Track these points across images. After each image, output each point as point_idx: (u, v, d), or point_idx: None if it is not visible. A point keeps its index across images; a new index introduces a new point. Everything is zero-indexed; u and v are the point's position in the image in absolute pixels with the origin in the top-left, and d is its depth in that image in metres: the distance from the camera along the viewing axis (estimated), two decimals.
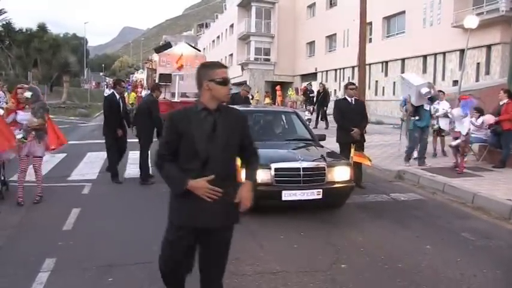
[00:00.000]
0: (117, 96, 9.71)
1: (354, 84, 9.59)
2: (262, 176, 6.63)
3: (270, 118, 9.15)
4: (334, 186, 7.02)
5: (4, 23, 56.16)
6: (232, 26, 52.12)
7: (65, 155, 12.54)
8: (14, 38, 52.96)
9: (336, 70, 37.11)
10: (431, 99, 11.69)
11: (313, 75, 40.44)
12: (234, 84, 50.32)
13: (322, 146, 8.30)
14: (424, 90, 10.86)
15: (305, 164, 6.87)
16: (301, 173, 6.77)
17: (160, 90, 10.44)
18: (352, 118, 8.95)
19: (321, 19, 39.30)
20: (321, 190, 6.80)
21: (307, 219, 7.01)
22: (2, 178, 8.31)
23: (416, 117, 11.11)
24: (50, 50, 51.51)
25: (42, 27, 54.51)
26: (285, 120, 9.34)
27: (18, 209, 7.54)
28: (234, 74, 49.52)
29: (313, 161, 7.17)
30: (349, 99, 9.23)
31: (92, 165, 11.60)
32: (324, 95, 20.60)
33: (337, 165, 7.19)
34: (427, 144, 11.49)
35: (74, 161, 11.91)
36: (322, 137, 8.74)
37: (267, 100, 32.50)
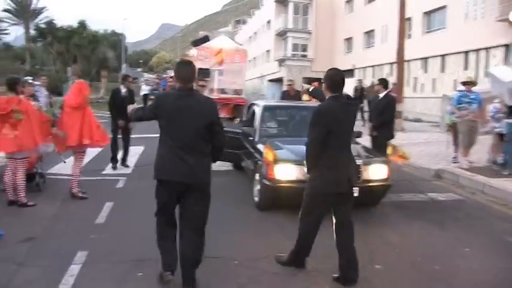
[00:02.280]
0: (123, 90, 10.66)
1: (379, 81, 9.78)
2: (296, 172, 6.52)
3: (304, 113, 9.03)
4: (370, 184, 6.84)
5: (46, 20, 57.74)
6: (269, 22, 51.78)
7: (101, 148, 12.67)
8: (55, 34, 54.14)
9: (373, 67, 36.48)
10: None
11: (350, 72, 39.89)
12: (270, 80, 50.39)
13: (357, 143, 8.11)
14: None
15: None
16: None
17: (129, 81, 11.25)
18: (377, 114, 9.30)
19: (359, 15, 38.72)
20: (357, 188, 6.60)
21: None
22: (40, 171, 8.43)
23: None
24: (90, 46, 52.51)
25: (82, 24, 55.58)
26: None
27: (54, 201, 7.64)
28: (271, 70, 49.37)
29: None
30: (380, 95, 9.35)
31: (129, 159, 11.69)
32: (361, 91, 20.27)
33: (373, 162, 7.00)
34: None
35: (110, 155, 12.00)
36: (358, 134, 8.55)
37: (305, 97, 32.09)
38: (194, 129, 4.32)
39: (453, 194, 8.83)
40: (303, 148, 4.74)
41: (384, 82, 9.53)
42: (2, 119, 7.16)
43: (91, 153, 11.62)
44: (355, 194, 4.82)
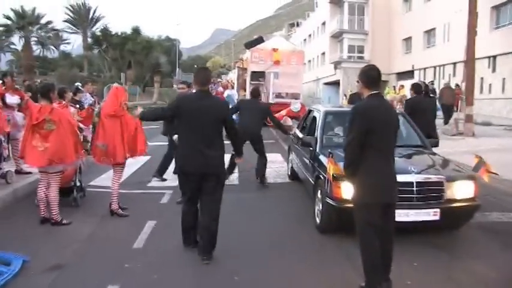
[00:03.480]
0: None
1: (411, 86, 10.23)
2: None
3: None
4: (455, 205, 5.67)
5: (102, 27, 58.80)
6: (324, 23, 50.66)
7: (149, 157, 11.91)
8: (110, 41, 54.92)
9: (434, 67, 34.58)
10: None
11: (409, 73, 38.11)
12: (326, 83, 49.16)
13: (434, 154, 6.95)
14: None
15: (419, 177, 5.58)
16: (415, 188, 5.50)
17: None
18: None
19: (419, 13, 36.85)
20: (438, 210, 5.49)
21: (419, 244, 5.72)
22: (78, 184, 7.72)
23: None
24: (143, 52, 52.77)
25: (136, 30, 56.09)
26: None
27: (92, 218, 6.89)
28: (327, 73, 48.23)
29: (428, 173, 5.87)
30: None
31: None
32: (424, 94, 18.73)
33: (459, 179, 5.82)
34: None
35: (157, 165, 11.22)
36: (435, 143, 7.38)
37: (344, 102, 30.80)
38: (212, 125, 5.17)
39: None
40: None
41: (416, 87, 10.20)
42: (33, 130, 6.47)
43: (137, 162, 10.86)
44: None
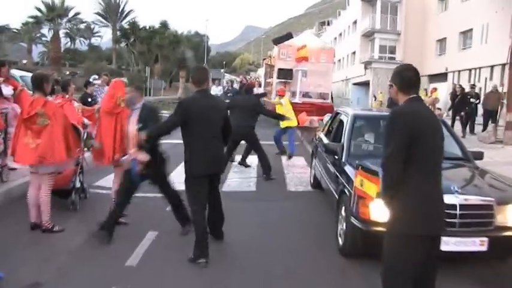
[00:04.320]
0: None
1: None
2: None
3: None
4: (507, 233, 4.71)
5: (130, 21, 58.76)
6: (355, 22, 49.46)
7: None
8: (137, 35, 54.78)
9: (470, 70, 33.15)
10: None
11: (443, 76, 36.76)
12: (355, 84, 48.01)
13: (477, 168, 6.01)
14: None
15: (463, 199, 4.62)
16: (458, 212, 4.56)
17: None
18: None
19: (455, 13, 35.41)
20: (486, 239, 4.57)
21: (462, 276, 4.83)
22: (78, 185, 7.03)
23: None
24: (170, 46, 52.31)
25: (163, 24, 55.73)
26: None
27: (88, 225, 6.14)
28: (356, 73, 47.13)
29: (475, 194, 4.88)
30: None
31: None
32: (461, 98, 17.58)
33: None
34: None
35: (171, 164, 10.47)
36: (479, 155, 6.42)
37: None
38: (218, 123, 5.25)
39: None
40: None
41: None
42: (25, 125, 5.77)
43: None
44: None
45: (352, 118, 6.73)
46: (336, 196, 5.82)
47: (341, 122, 7.29)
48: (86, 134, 7.27)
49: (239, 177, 9.54)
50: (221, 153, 5.51)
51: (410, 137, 3.15)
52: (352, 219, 4.88)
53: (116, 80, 7.06)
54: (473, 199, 4.73)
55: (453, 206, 4.53)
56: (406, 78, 3.43)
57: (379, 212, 4.60)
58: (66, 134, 5.89)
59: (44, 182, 5.88)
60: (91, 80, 11.59)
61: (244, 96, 10.07)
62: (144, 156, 5.36)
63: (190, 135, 5.12)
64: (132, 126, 5.64)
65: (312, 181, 8.80)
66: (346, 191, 5.34)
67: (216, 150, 5.27)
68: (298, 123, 14.65)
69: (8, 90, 7.26)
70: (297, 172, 10.14)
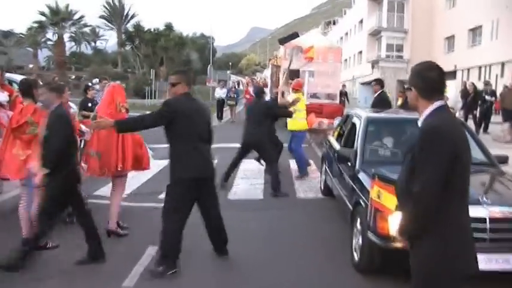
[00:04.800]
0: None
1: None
2: None
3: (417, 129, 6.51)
4: None
5: (135, 24, 58.60)
6: (361, 21, 49.06)
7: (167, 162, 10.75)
8: (142, 37, 54.56)
9: (480, 67, 32.61)
10: None
11: (452, 74, 36.20)
12: (362, 83, 47.53)
13: (504, 173, 5.54)
14: None
15: (494, 211, 4.16)
16: (488, 226, 4.10)
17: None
18: None
19: (463, 9, 34.85)
20: None
21: None
22: None
23: None
24: (175, 48, 51.98)
25: (168, 26, 55.43)
26: None
27: (83, 239, 5.72)
28: (363, 72, 46.63)
29: (506, 204, 4.37)
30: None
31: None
32: (473, 96, 17.01)
33: None
34: None
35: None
36: (503, 159, 5.95)
37: (401, 101, 29.02)
38: (205, 127, 5.12)
39: None
40: None
41: (380, 82, 11.30)
42: (14, 135, 5.38)
43: (154, 168, 9.67)
44: None
45: (365, 121, 6.23)
46: (350, 207, 5.38)
47: (353, 126, 6.78)
48: (83, 142, 6.91)
49: (246, 184, 9.09)
50: (209, 157, 5.14)
51: (452, 158, 2.58)
52: (370, 234, 4.44)
53: (114, 84, 6.66)
54: (505, 210, 4.24)
55: (482, 220, 4.08)
56: (429, 79, 2.74)
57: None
58: None
59: (36, 195, 5.49)
60: (93, 82, 11.22)
61: (255, 101, 9.50)
62: (38, 169, 4.74)
63: (177, 136, 4.89)
64: (41, 132, 5.02)
65: (322, 188, 8.32)
66: (361, 201, 4.89)
67: (204, 153, 5.03)
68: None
69: (2, 97, 6.87)
70: (306, 177, 9.68)
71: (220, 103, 24.02)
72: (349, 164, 5.83)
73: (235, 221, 6.84)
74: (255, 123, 8.63)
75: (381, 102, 10.20)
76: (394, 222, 4.17)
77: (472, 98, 17.00)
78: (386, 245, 4.25)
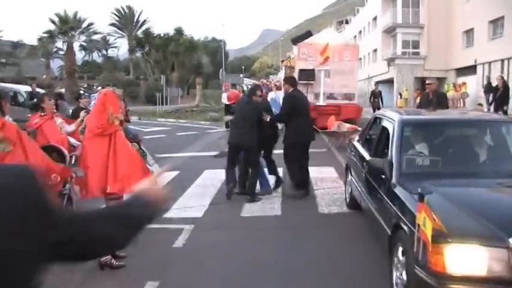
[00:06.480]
0: None
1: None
2: (488, 258, 3.21)
3: (476, 132, 5.43)
4: None
5: (144, 29, 58.11)
6: (375, 18, 47.97)
7: (177, 172, 9.91)
8: (152, 43, 53.96)
9: (502, 60, 31.30)
10: None
11: (472, 69, 34.93)
12: (378, 82, 46.47)
13: None
14: None
15: None
16: None
17: None
18: None
19: (482, 1, 33.62)
20: None
21: None
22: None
23: None
24: (186, 53, 51.13)
25: (178, 31, 54.65)
26: (492, 137, 5.49)
27: (74, 274, 4.86)
28: (379, 70, 45.69)
29: None
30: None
31: (204, 190, 8.76)
32: (503, 91, 15.91)
33: None
34: None
35: (184, 183, 9.17)
36: None
37: (419, 100, 27.86)
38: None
39: None
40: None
41: (291, 80, 8.89)
42: None
43: (162, 180, 8.80)
44: None
45: (400, 125, 5.18)
46: (388, 230, 4.36)
47: (384, 130, 5.76)
48: (74, 158, 6.10)
49: (262, 198, 8.10)
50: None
51: None
52: (418, 270, 3.47)
53: (106, 90, 5.79)
54: None
55: None
56: None
57: (457, 263, 3.24)
58: (35, 162, 4.64)
59: None
60: (97, 90, 10.52)
61: (246, 101, 8.53)
62: None
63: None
64: None
65: (347, 200, 7.33)
66: (403, 226, 3.90)
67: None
68: (327, 128, 13.49)
69: None
70: (328, 187, 8.68)
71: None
72: (383, 176, 4.84)
73: (249, 242, 5.95)
74: (245, 125, 7.99)
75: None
76: (452, 257, 3.24)
77: (502, 93, 15.88)
78: (441, 285, 3.29)
